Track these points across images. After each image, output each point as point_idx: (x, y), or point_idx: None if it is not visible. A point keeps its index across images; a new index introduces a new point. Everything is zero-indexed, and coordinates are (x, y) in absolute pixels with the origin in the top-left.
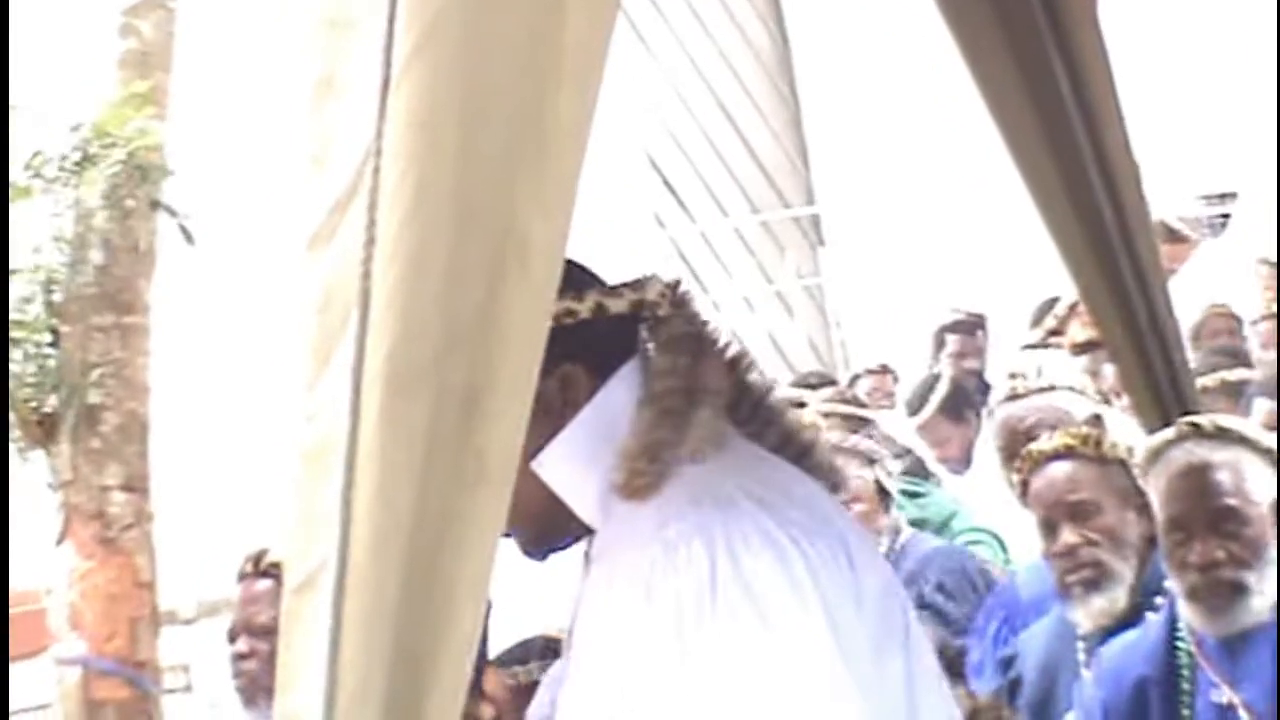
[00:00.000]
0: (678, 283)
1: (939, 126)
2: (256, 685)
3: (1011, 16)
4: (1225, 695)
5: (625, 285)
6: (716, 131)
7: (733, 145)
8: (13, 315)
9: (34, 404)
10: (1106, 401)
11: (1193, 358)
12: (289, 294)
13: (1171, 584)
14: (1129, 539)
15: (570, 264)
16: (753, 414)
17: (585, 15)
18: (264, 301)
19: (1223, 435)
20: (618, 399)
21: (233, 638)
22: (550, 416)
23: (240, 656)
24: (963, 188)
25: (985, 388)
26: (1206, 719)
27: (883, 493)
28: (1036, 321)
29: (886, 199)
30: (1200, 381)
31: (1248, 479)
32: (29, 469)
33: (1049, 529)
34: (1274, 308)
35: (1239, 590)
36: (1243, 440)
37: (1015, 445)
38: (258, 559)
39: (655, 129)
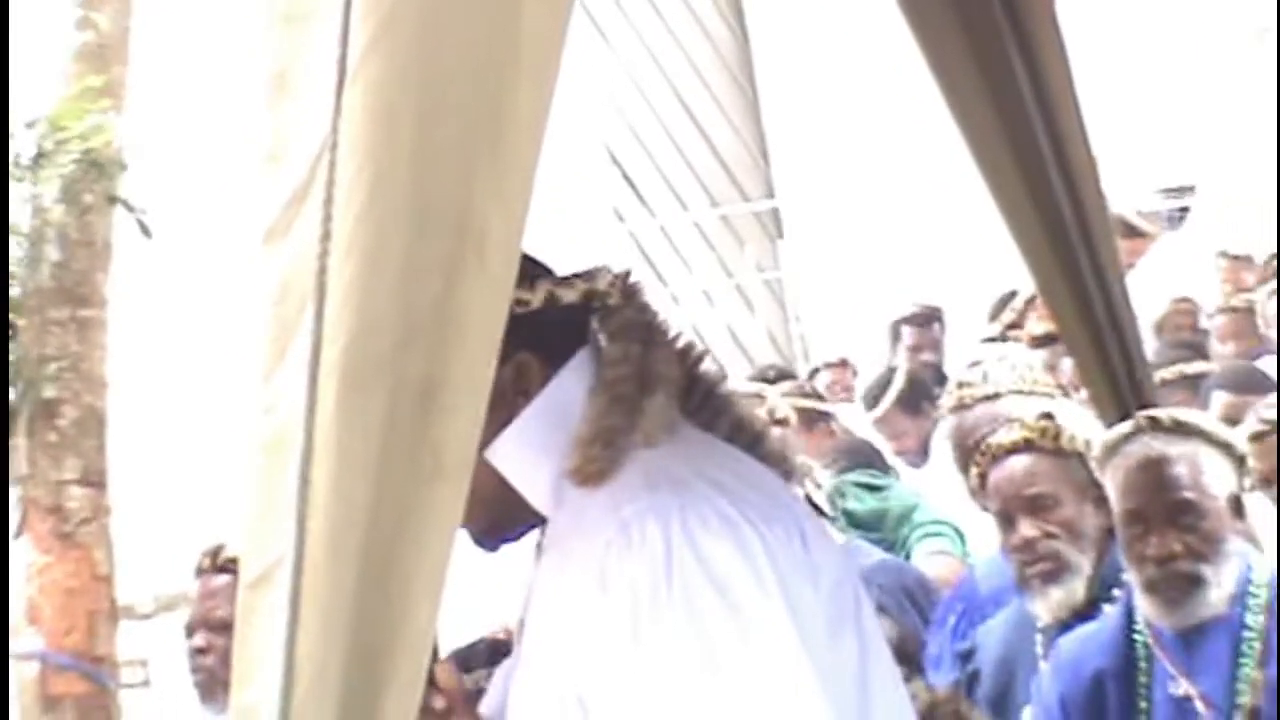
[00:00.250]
0: (628, 273)
1: (898, 121)
2: (214, 680)
3: (971, 13)
4: (1182, 687)
5: (576, 275)
6: (676, 125)
7: (692, 139)
8: None
9: None
10: (1065, 394)
11: (1153, 351)
12: (246, 288)
13: (1129, 576)
14: (1087, 532)
15: (522, 255)
16: (704, 403)
17: (542, 8)
18: (221, 295)
19: (1180, 429)
20: (570, 388)
21: (190, 633)
22: (503, 405)
23: (198, 651)
24: (921, 182)
25: (943, 380)
26: (1163, 711)
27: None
28: (995, 315)
29: (846, 193)
30: (1159, 374)
31: (1205, 472)
32: None
33: (1007, 522)
34: (1232, 301)
35: (1196, 583)
36: (1200, 434)
37: (968, 454)
38: (215, 554)
39: (614, 123)
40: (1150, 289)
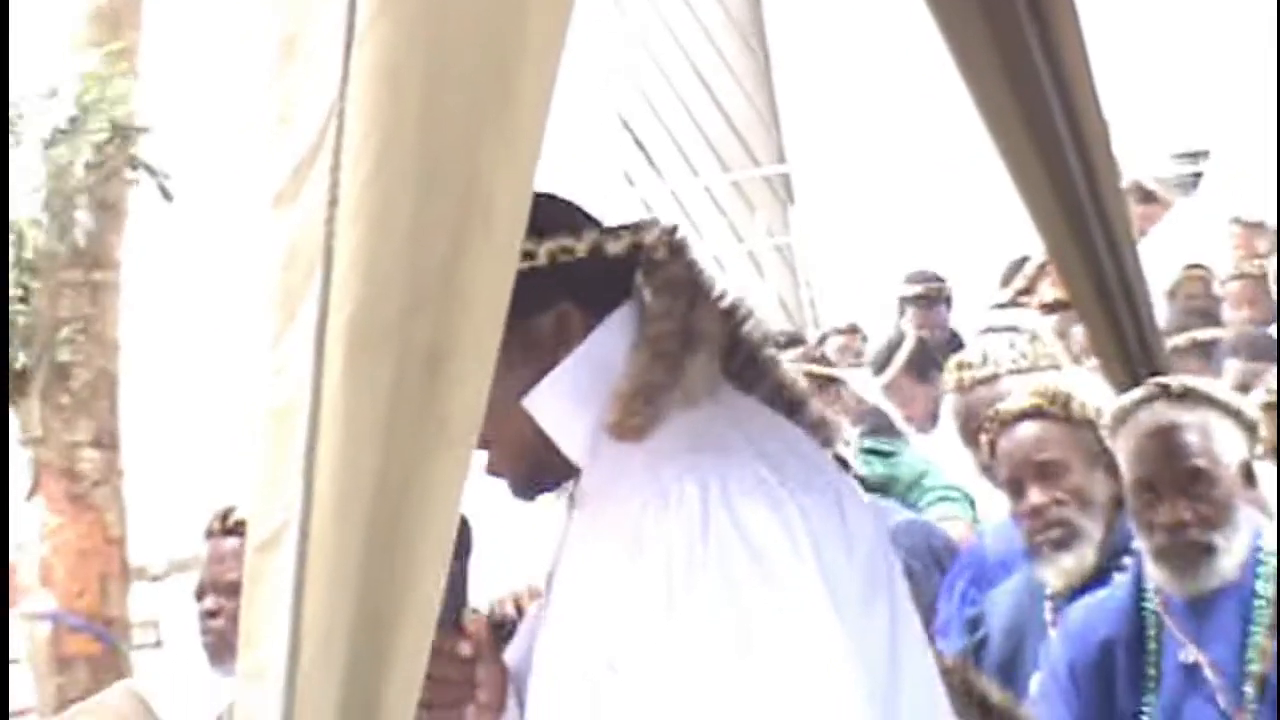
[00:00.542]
0: (675, 228)
1: (910, 86)
2: (224, 642)
3: None
4: (1192, 655)
5: (623, 227)
6: (687, 90)
7: (703, 104)
8: None
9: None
10: (1077, 361)
11: (1165, 318)
12: (255, 252)
13: (1139, 544)
14: (1097, 499)
15: (568, 204)
16: (746, 365)
17: None
18: (233, 258)
19: (1191, 396)
20: (612, 341)
21: (200, 595)
22: (542, 355)
23: (208, 614)
24: (933, 147)
25: (954, 345)
26: (1173, 678)
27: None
28: (1006, 280)
29: (857, 159)
30: (1171, 341)
31: (1216, 440)
32: None
33: (1017, 489)
34: (1244, 267)
35: (1206, 551)
36: (1211, 401)
37: (973, 431)
38: (225, 516)
39: (626, 88)
40: (1163, 255)
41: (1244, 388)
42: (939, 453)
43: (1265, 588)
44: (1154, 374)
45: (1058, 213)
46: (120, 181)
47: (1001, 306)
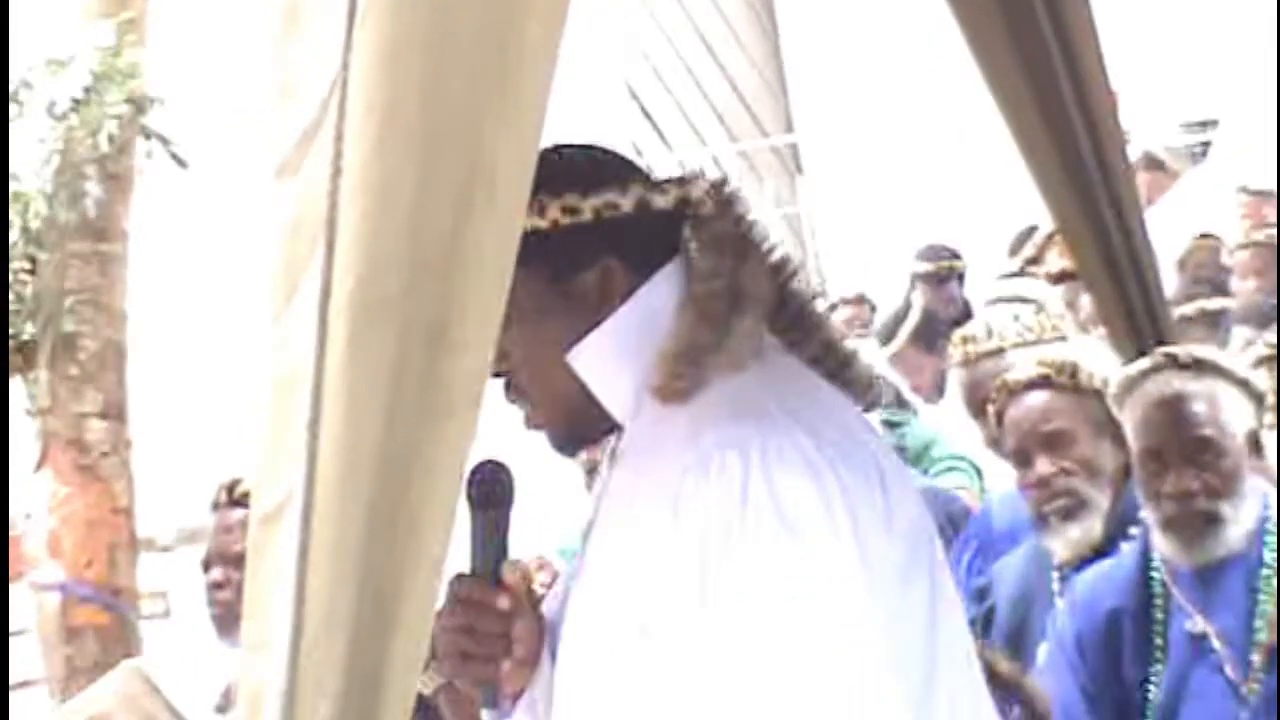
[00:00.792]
0: (724, 181)
1: (918, 56)
2: (231, 614)
3: None
4: (1199, 624)
5: (670, 181)
6: (695, 60)
7: (711, 74)
8: None
9: (11, 331)
10: (1084, 331)
11: (1175, 287)
12: (260, 224)
13: (1146, 514)
14: (1104, 469)
15: (614, 157)
16: (794, 322)
17: None
18: (241, 230)
19: (1199, 366)
20: (659, 298)
21: (207, 566)
22: (586, 309)
23: (215, 585)
24: (941, 117)
25: (964, 315)
26: (1179, 648)
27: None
28: (1014, 250)
29: (865, 128)
30: (1179, 311)
31: (1223, 410)
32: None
33: (1024, 459)
34: (1253, 236)
35: (1213, 521)
36: (1219, 371)
37: (979, 403)
38: (231, 488)
39: (634, 57)
40: (1173, 225)
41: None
42: (946, 423)
43: (1272, 557)
44: (1161, 344)
45: (1065, 183)
46: (128, 153)
47: (1009, 276)
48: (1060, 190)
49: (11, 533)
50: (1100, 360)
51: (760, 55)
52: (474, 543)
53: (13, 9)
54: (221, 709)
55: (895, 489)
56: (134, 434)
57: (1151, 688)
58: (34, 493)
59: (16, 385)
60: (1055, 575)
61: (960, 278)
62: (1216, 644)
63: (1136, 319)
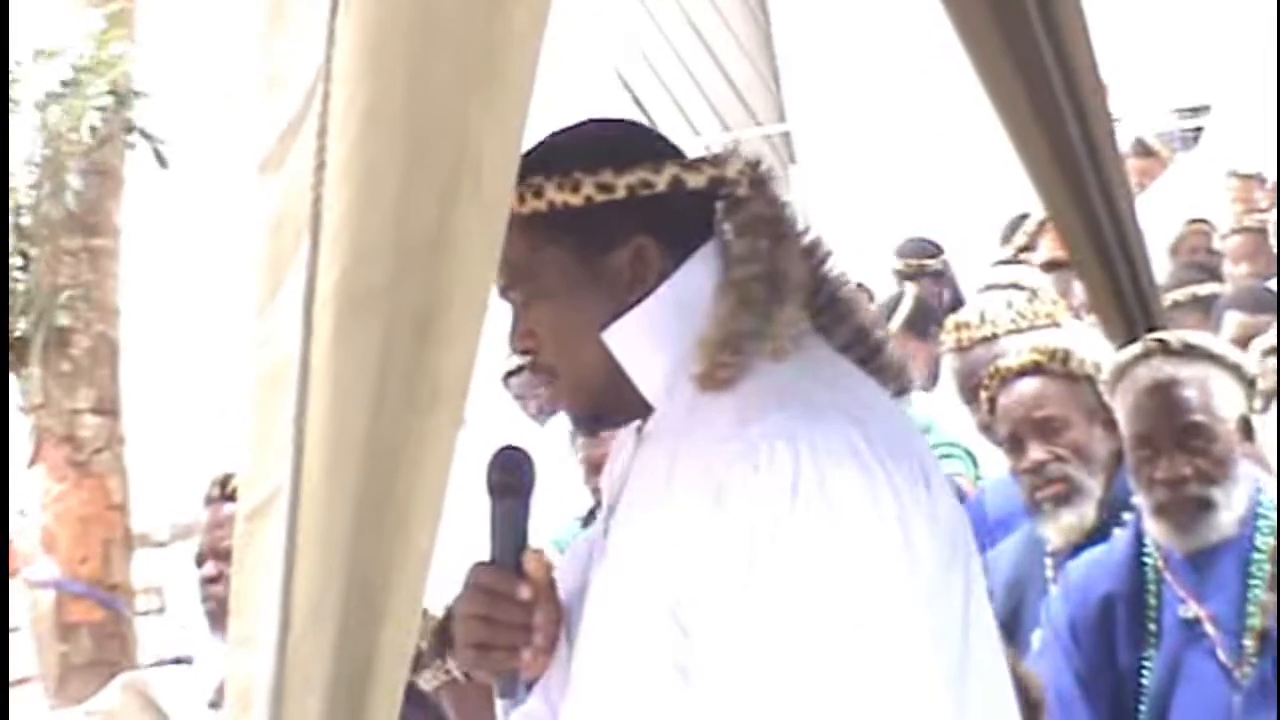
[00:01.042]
0: (758, 162)
1: (909, 45)
2: (224, 609)
3: None
4: (1192, 610)
5: (704, 160)
6: (687, 49)
7: (704, 63)
8: None
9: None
10: (1077, 317)
11: (1168, 273)
12: (245, 218)
13: (1139, 500)
14: (1097, 455)
15: (647, 133)
16: (827, 306)
17: None
18: (232, 224)
19: (1190, 351)
20: (696, 281)
21: (200, 562)
22: (618, 288)
23: (208, 580)
24: (933, 104)
25: (956, 303)
26: (1173, 634)
27: None
28: (1006, 238)
29: (858, 116)
30: (1171, 296)
31: (1215, 395)
32: None
33: (1016, 445)
34: (1245, 221)
35: (1206, 506)
36: (1210, 356)
37: (972, 390)
38: (224, 482)
39: (626, 47)
40: (1165, 211)
41: (1244, 341)
42: (939, 411)
43: (1265, 542)
44: (1152, 329)
45: (1055, 170)
46: (118, 147)
47: (1002, 263)
48: (1050, 178)
49: None
50: (1092, 346)
51: (753, 44)
52: (493, 531)
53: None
54: (215, 705)
55: (936, 484)
56: (127, 429)
57: (1145, 673)
58: (27, 489)
59: (10, 382)
60: (1049, 562)
61: (936, 274)
62: (1209, 629)
63: (1127, 305)
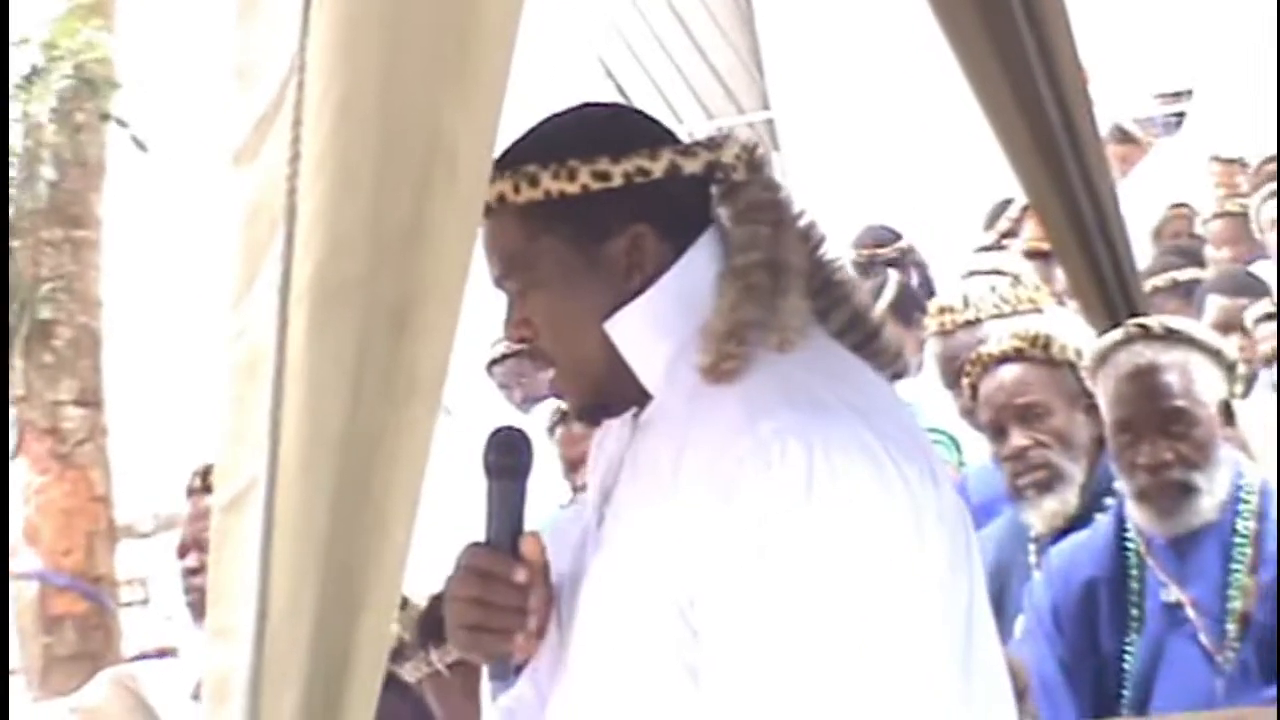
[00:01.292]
0: (755, 145)
1: (892, 31)
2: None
3: None
4: (1174, 594)
5: (700, 144)
6: (670, 38)
7: (687, 52)
8: None
9: None
10: (1060, 303)
11: (1150, 258)
12: (222, 209)
13: (1121, 485)
14: (1078, 441)
15: (644, 118)
16: (822, 290)
17: None
18: (213, 215)
19: (1171, 337)
20: (698, 269)
21: (182, 553)
22: (614, 277)
23: (190, 572)
24: (917, 91)
25: (930, 292)
26: (1155, 618)
27: None
28: (990, 223)
29: (841, 103)
30: (1152, 282)
31: (1196, 380)
32: None
33: (999, 432)
34: (1227, 205)
35: (1187, 491)
36: (1191, 341)
37: (954, 374)
38: (205, 473)
39: (609, 34)
40: (1148, 195)
41: (1226, 325)
42: (924, 396)
43: (1246, 526)
44: (1134, 315)
45: (1035, 157)
46: (98, 138)
47: (985, 249)
48: (1031, 164)
49: None
50: (1074, 332)
51: (736, 31)
52: (489, 512)
53: None
54: (198, 697)
55: (942, 479)
56: (110, 421)
57: (1128, 657)
58: (10, 482)
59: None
60: (1032, 547)
61: (890, 263)
62: (1191, 613)
63: (1109, 291)
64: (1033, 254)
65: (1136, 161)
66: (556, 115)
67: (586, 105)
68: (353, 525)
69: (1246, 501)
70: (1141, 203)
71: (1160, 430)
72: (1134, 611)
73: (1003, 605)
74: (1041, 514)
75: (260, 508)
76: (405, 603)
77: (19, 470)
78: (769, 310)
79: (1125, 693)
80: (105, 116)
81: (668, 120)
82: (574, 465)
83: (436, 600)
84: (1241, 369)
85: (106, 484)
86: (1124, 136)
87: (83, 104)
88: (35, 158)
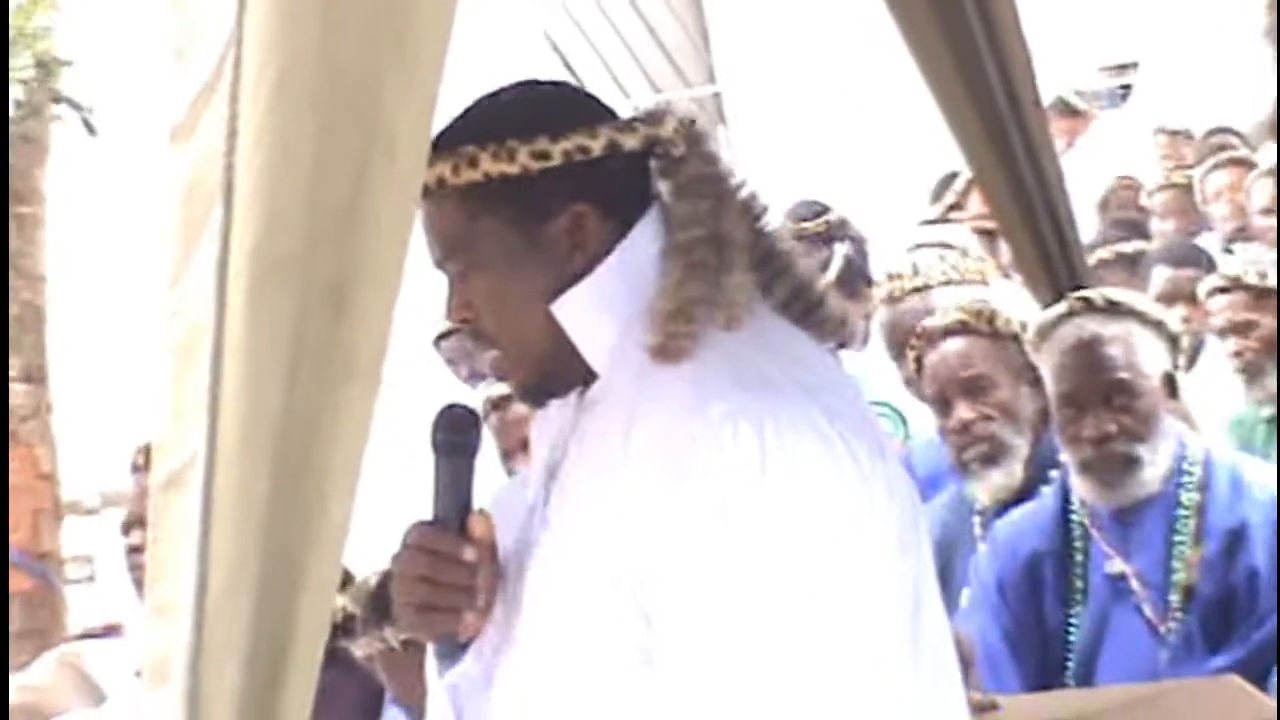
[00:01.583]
0: (693, 119)
1: (837, 5)
2: None
3: None
4: (1118, 566)
5: (638, 120)
6: (616, 11)
7: (633, 25)
8: None
9: None
10: (1006, 276)
11: (1096, 229)
12: (157, 187)
13: (1065, 457)
14: (1023, 414)
15: (582, 95)
16: (764, 262)
17: None
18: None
19: (1113, 309)
20: (641, 248)
21: (127, 530)
22: (556, 257)
23: (135, 549)
24: (862, 65)
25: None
26: (1100, 590)
27: None
28: (937, 196)
29: (787, 77)
30: (1097, 254)
31: (1139, 352)
32: None
33: (944, 405)
34: (1172, 177)
35: (1131, 463)
36: (1134, 314)
37: (900, 343)
38: (149, 451)
39: (554, 9)
40: (1094, 168)
41: (1173, 295)
42: (870, 369)
43: (1189, 498)
44: (1077, 288)
45: (979, 130)
46: (44, 116)
47: (931, 222)
48: (975, 138)
49: None
50: (1018, 306)
51: (681, 5)
52: (437, 490)
53: None
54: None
55: (890, 456)
56: (55, 397)
57: (1072, 629)
58: None
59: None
60: (977, 520)
61: (816, 236)
62: (1135, 585)
63: (1052, 264)
64: (977, 231)
65: (1082, 134)
66: (494, 94)
67: (524, 83)
68: (292, 504)
69: (1190, 473)
70: (1087, 175)
71: (1103, 403)
72: (1078, 583)
73: (948, 578)
74: (987, 487)
75: (199, 486)
76: (351, 579)
77: None
78: (714, 287)
79: (1070, 664)
80: (58, 99)
81: (614, 95)
82: (510, 453)
83: (389, 576)
84: (1185, 341)
85: (52, 461)
86: (1069, 109)
87: (35, 85)
88: None
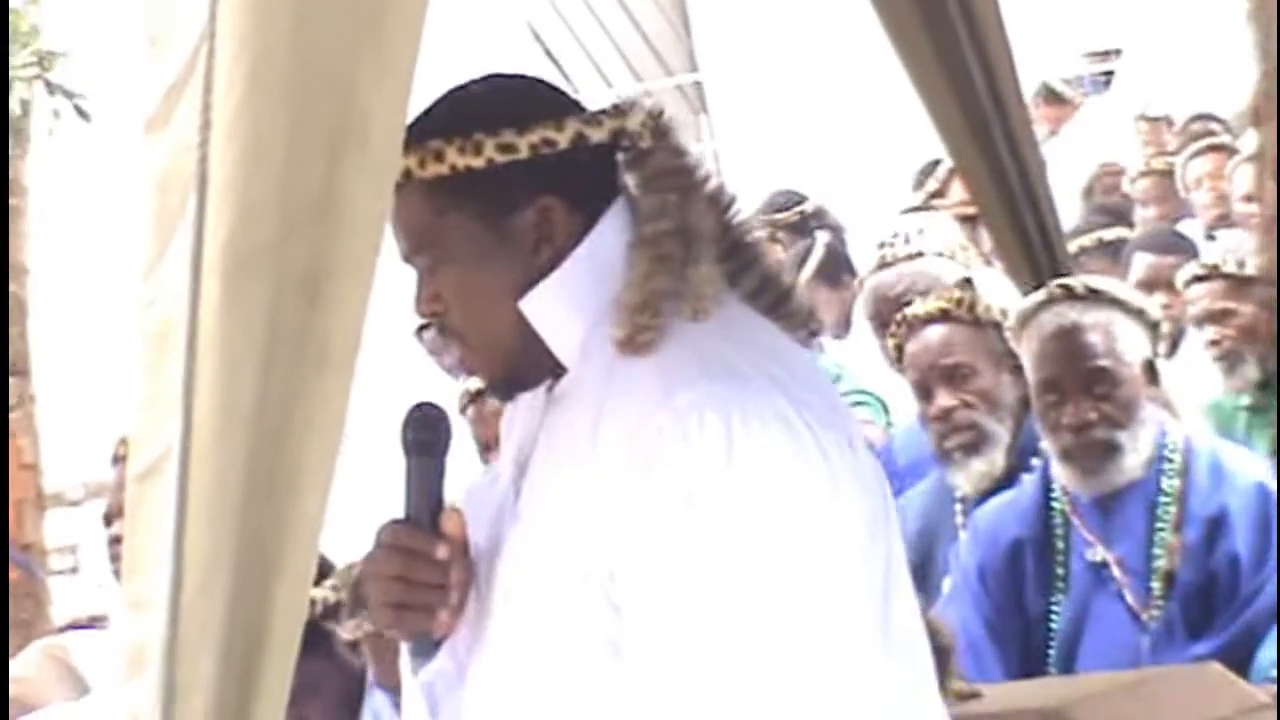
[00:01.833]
0: (661, 112)
1: None
2: None
3: None
4: (1099, 553)
5: (604, 113)
6: (599, 1)
7: (614, 14)
8: None
9: None
10: (988, 263)
11: (1080, 216)
12: (129, 178)
13: (1046, 445)
14: (1004, 401)
15: (548, 88)
16: (731, 253)
17: None
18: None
19: (1094, 297)
20: (608, 241)
21: (108, 521)
22: (523, 251)
23: (116, 540)
24: (844, 52)
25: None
26: (1081, 577)
27: None
28: (918, 184)
29: (769, 65)
30: (1078, 242)
31: (1119, 340)
32: None
33: (924, 392)
34: (1154, 164)
35: (1112, 450)
36: (1114, 301)
37: (887, 313)
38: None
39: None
40: (1078, 155)
41: (1154, 282)
42: (852, 358)
43: (1170, 484)
44: (1058, 275)
45: (959, 117)
46: (31, 109)
47: (914, 210)
48: (955, 125)
49: None
50: (999, 293)
51: None
52: (408, 489)
53: None
54: None
55: (859, 445)
56: (38, 388)
57: (1054, 617)
58: None
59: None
60: (958, 508)
61: (790, 227)
62: (1116, 572)
63: (1033, 251)
64: (959, 217)
65: (1066, 121)
66: (460, 88)
67: (490, 77)
68: (267, 494)
69: (1171, 460)
70: (1071, 162)
71: (1084, 390)
72: (1059, 571)
73: (930, 566)
74: (968, 475)
75: (174, 477)
76: (329, 569)
77: None
78: (681, 280)
79: (1051, 652)
80: (53, 89)
81: (596, 84)
82: (488, 446)
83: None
84: (1165, 328)
85: (35, 452)
86: (1055, 96)
87: (33, 79)
88: None
